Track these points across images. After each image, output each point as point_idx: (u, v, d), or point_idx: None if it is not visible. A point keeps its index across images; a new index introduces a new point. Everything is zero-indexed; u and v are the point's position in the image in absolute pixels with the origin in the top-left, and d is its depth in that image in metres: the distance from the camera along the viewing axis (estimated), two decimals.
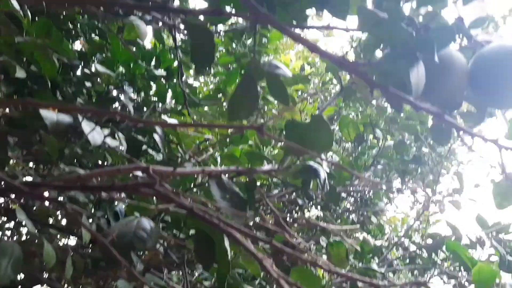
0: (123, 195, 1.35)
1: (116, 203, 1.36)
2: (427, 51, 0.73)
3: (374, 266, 1.24)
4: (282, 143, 1.06)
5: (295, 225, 2.56)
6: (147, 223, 0.93)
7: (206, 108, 1.96)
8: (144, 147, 1.46)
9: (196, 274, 1.51)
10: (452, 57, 0.81)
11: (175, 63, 1.30)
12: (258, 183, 2.03)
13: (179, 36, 1.79)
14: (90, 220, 1.23)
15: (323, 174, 0.94)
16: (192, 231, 1.26)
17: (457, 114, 0.86)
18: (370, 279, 0.77)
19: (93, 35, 1.60)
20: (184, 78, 2.08)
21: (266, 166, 1.05)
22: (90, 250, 1.52)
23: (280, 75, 0.69)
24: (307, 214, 2.32)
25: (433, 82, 0.77)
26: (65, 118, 1.03)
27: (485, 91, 0.80)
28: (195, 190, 1.35)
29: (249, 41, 1.89)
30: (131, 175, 1.01)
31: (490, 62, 0.79)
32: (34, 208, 1.45)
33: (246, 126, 0.76)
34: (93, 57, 1.42)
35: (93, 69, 1.49)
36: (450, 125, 0.69)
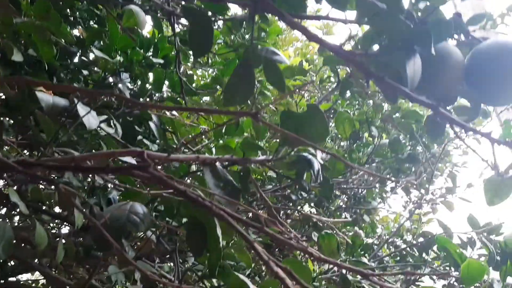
0: (116, 182, 1.35)
1: (109, 190, 1.37)
2: (424, 44, 0.73)
3: (365, 260, 1.25)
4: (278, 133, 1.06)
5: (289, 221, 2.57)
6: (140, 208, 0.93)
7: (202, 101, 1.96)
8: (140, 137, 1.46)
9: (188, 265, 1.51)
10: (449, 52, 0.81)
11: (173, 52, 1.30)
12: (253, 177, 2.04)
13: (178, 27, 1.79)
14: (84, 210, 1.23)
15: (316, 165, 0.94)
16: (184, 220, 1.26)
17: (452, 109, 0.86)
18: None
19: (91, 22, 1.59)
20: (182, 69, 2.08)
21: (261, 157, 1.05)
22: (82, 239, 1.52)
23: (277, 61, 0.69)
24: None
25: (429, 76, 0.77)
26: (61, 101, 1.03)
27: (480, 86, 0.81)
28: (189, 181, 1.35)
29: (247, 36, 1.89)
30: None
31: (486, 58, 0.80)
32: (28, 194, 1.45)
33: (242, 112, 0.76)
34: (91, 45, 1.42)
35: (91, 57, 1.49)
36: (444, 118, 0.69)
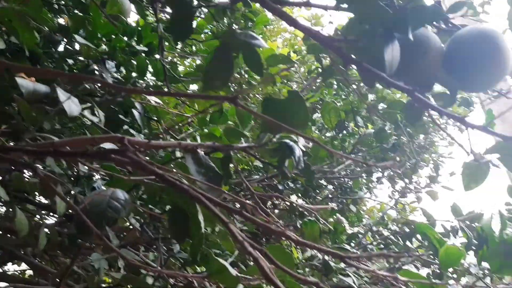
0: (102, 172, 1.34)
1: (94, 179, 1.36)
2: (402, 30, 0.74)
3: (347, 246, 1.27)
4: (259, 119, 1.06)
5: (276, 211, 2.59)
6: (121, 194, 0.93)
7: (189, 90, 1.96)
8: (126, 127, 1.45)
9: (173, 252, 1.52)
10: (427, 39, 0.82)
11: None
12: (239, 168, 2.05)
13: (164, 15, 1.77)
14: (67, 198, 1.23)
15: (298, 152, 0.95)
16: (168, 208, 1.26)
17: (430, 95, 0.87)
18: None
19: (76, 11, 1.58)
20: (170, 59, 2.07)
21: (243, 144, 1.05)
22: (66, 230, 1.52)
23: (255, 45, 0.69)
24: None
25: (408, 62, 0.78)
26: (42, 87, 1.02)
27: (458, 72, 0.81)
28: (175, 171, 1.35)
29: (235, 25, 1.88)
30: None
31: (465, 44, 0.81)
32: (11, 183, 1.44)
33: (221, 97, 0.76)
34: (76, 34, 1.40)
35: (77, 47, 1.48)
36: (420, 102, 0.70)
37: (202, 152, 0.96)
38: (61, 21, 1.63)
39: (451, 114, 0.70)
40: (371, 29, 0.78)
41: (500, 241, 0.87)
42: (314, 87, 2.32)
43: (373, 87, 0.77)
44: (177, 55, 2.01)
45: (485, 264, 0.98)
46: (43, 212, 1.84)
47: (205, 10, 1.56)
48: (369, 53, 0.75)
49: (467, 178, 0.83)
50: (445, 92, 0.86)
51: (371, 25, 0.78)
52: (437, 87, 0.92)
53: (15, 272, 2.23)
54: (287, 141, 0.96)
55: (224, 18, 1.57)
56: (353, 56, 0.77)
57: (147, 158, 1.46)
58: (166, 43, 1.72)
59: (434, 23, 0.90)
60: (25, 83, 0.98)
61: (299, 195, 2.24)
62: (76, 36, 1.15)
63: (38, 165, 1.18)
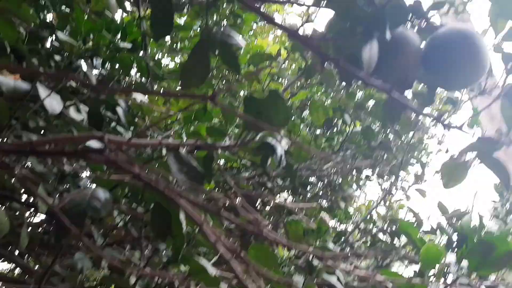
0: (88, 171, 1.34)
1: (80, 177, 1.36)
2: (380, 28, 0.74)
3: (330, 245, 1.27)
4: (241, 118, 1.06)
5: (266, 209, 2.59)
6: (101, 193, 0.92)
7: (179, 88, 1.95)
8: (113, 124, 1.44)
9: (160, 251, 1.52)
10: (406, 37, 0.82)
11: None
12: (228, 166, 2.05)
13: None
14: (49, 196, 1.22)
15: (280, 151, 0.95)
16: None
17: (410, 94, 0.87)
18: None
19: (63, 7, 1.57)
20: (159, 56, 2.06)
21: (227, 142, 1.05)
22: (52, 228, 1.51)
23: (232, 44, 0.69)
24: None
25: (386, 60, 0.78)
26: (23, 85, 1.01)
27: (436, 71, 0.82)
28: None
29: (224, 22, 1.88)
30: None
31: (442, 44, 0.81)
32: None
33: (199, 95, 0.76)
34: (62, 30, 1.39)
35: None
36: (397, 101, 0.70)
37: (185, 151, 0.95)
38: (50, 17, 1.62)
39: (427, 113, 0.71)
40: (350, 27, 0.78)
41: (478, 240, 0.88)
42: (305, 86, 2.32)
43: (351, 85, 0.77)
44: (166, 52, 2.00)
45: (466, 263, 0.98)
46: (31, 210, 1.83)
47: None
48: (347, 51, 0.75)
49: (446, 176, 0.84)
50: (424, 90, 0.86)
51: (351, 23, 0.78)
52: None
53: (4, 271, 2.23)
54: (269, 140, 0.96)
55: (214, 14, 1.56)
56: (331, 54, 0.77)
57: (135, 156, 1.45)
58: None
59: (414, 22, 0.90)
60: (5, 80, 0.97)
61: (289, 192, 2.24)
62: (59, 33, 1.14)
63: (24, 165, 1.17)
